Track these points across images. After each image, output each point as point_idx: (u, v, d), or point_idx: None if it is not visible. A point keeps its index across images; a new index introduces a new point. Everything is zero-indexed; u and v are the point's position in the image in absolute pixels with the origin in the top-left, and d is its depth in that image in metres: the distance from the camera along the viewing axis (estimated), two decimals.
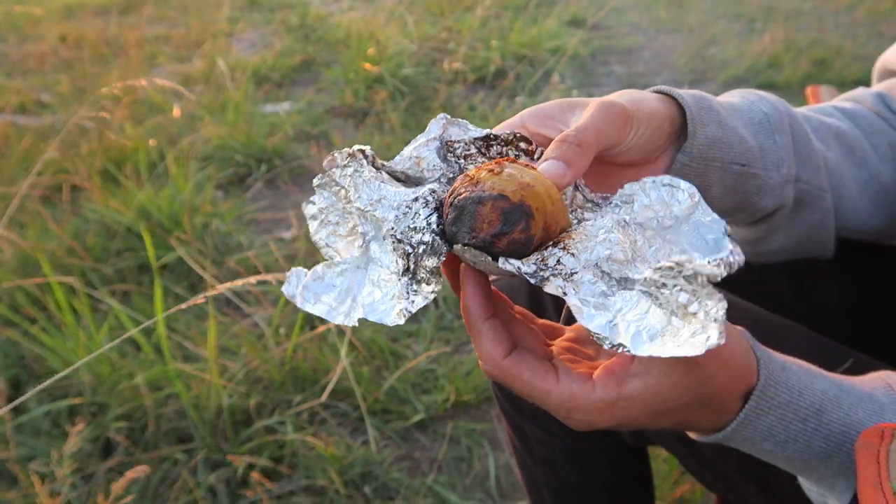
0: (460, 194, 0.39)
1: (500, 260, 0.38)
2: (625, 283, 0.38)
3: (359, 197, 0.42)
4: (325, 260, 0.44)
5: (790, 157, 0.56)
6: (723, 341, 0.33)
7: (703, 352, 0.33)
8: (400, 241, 0.41)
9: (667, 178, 0.42)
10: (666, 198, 0.42)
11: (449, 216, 0.40)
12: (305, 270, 0.43)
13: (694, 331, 0.35)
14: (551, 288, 0.38)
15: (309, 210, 0.45)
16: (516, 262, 0.38)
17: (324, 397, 1.34)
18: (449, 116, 0.46)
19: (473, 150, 0.46)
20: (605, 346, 0.36)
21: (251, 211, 2.16)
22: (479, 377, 1.43)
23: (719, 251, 0.38)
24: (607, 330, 0.37)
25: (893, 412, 0.45)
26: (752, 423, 0.43)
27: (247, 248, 1.90)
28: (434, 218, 0.41)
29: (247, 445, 1.29)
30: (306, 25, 4.10)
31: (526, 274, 0.38)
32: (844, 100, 0.71)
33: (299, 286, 0.42)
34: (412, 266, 0.40)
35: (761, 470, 0.61)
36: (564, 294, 0.37)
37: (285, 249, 1.90)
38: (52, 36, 4.02)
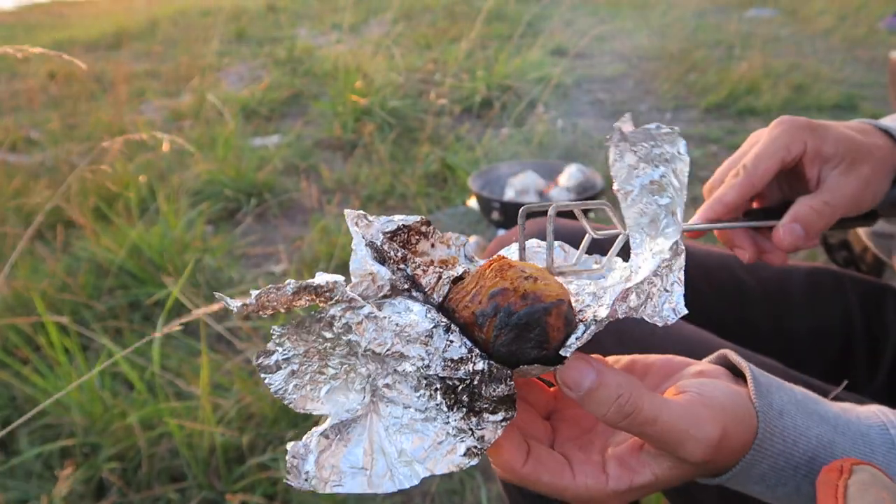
0: (512, 311, 0.38)
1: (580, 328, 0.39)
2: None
3: (368, 338, 0.38)
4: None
5: None
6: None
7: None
8: (444, 378, 0.38)
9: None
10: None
11: (502, 338, 0.38)
12: (301, 444, 0.38)
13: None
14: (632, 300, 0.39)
15: (268, 361, 0.40)
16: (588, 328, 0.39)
17: None
18: (352, 212, 0.43)
19: (401, 251, 0.44)
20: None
21: (242, 245, 2.17)
22: None
23: None
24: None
25: (883, 454, 0.46)
26: (746, 472, 0.45)
27: (238, 282, 1.91)
28: (467, 342, 0.39)
29: (240, 483, 1.29)
30: (294, 59, 4.15)
31: (598, 321, 0.38)
32: None
33: (308, 467, 0.38)
34: (465, 399, 0.38)
35: None
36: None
37: (275, 283, 1.92)
38: (41, 73, 4.05)
